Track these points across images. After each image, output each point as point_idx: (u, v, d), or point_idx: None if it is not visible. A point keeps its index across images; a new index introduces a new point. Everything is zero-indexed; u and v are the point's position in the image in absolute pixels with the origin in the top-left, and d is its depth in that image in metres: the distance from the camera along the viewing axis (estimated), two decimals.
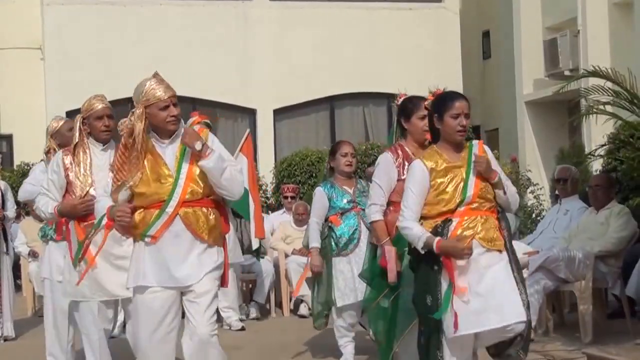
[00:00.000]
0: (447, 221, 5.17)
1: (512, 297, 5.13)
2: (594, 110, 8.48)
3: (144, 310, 5.43)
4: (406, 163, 5.89)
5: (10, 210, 10.24)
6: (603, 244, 8.49)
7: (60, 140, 7.27)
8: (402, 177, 5.79)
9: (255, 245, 10.86)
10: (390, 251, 5.85)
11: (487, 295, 5.08)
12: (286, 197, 12.52)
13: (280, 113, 18.51)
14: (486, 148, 5.44)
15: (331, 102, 18.77)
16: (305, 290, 11.04)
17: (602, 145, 9.91)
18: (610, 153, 10.10)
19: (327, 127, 18.85)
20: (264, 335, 9.68)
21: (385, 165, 6.02)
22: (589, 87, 8.84)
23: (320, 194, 7.85)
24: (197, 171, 5.37)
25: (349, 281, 7.64)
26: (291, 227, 11.72)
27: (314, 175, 15.63)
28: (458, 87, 17.89)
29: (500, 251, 5.20)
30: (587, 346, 7.88)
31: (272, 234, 11.79)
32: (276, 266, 11.36)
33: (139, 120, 5.36)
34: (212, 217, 5.43)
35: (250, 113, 18.52)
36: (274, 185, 16.72)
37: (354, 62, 18.40)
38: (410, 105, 6.08)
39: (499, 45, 20.92)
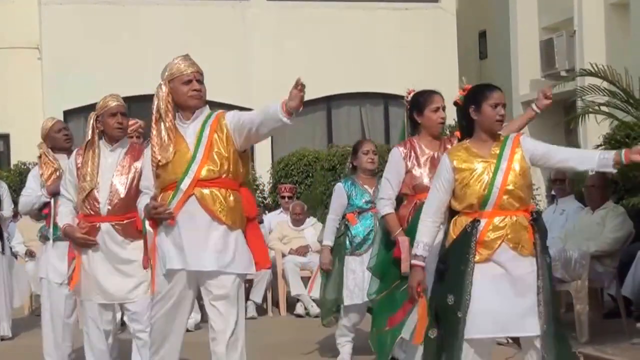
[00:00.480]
0: (476, 221, 5.13)
1: (532, 308, 5.10)
2: (590, 110, 8.50)
3: (164, 294, 5.35)
4: (413, 154, 6.07)
5: (7, 210, 10.24)
6: (599, 244, 8.50)
7: (51, 142, 7.20)
8: (409, 169, 6.02)
9: None
10: (404, 242, 5.93)
11: (510, 303, 5.07)
12: (283, 197, 12.54)
13: None
14: (524, 138, 5.34)
15: (328, 102, 18.79)
16: (301, 290, 11.08)
17: (598, 146, 9.93)
18: None
19: (324, 127, 18.87)
20: (260, 335, 9.68)
21: (394, 160, 6.14)
22: (585, 86, 8.86)
23: (339, 191, 7.81)
24: (215, 149, 5.32)
25: (359, 281, 7.61)
26: (288, 227, 11.74)
27: (310, 175, 15.63)
28: (454, 88, 17.81)
29: (529, 255, 5.13)
30: (583, 346, 7.87)
31: (269, 234, 11.81)
32: (273, 266, 11.37)
33: (165, 95, 5.38)
34: (231, 198, 5.30)
35: None
36: (271, 185, 16.72)
37: (351, 62, 18.41)
38: (421, 99, 6.20)
39: (495, 46, 20.96)
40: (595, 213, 8.85)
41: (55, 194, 6.77)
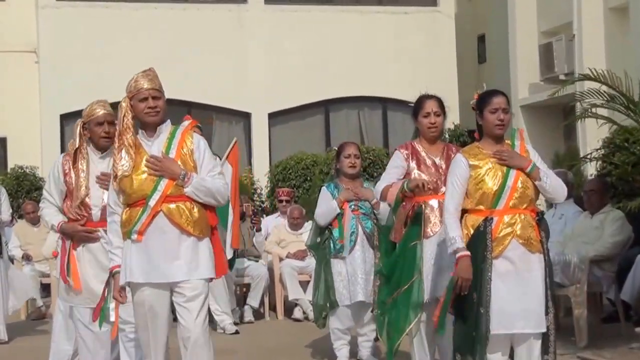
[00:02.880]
0: (489, 219, 5.39)
1: (540, 306, 5.41)
2: (589, 114, 8.47)
3: (135, 307, 5.56)
4: (415, 157, 6.36)
5: (5, 214, 10.20)
6: (598, 249, 8.48)
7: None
8: (410, 171, 6.30)
9: (229, 255, 10.66)
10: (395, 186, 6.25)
11: (522, 300, 5.35)
12: (281, 201, 12.49)
13: (275, 117, 18.50)
14: (530, 145, 5.67)
15: (326, 106, 18.77)
16: (299, 294, 11.04)
17: (597, 150, 9.91)
18: (605, 157, 10.08)
19: (322, 130, 18.85)
20: (258, 339, 9.64)
21: (397, 160, 6.43)
22: (585, 90, 8.83)
23: (324, 194, 7.85)
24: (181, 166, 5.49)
25: (344, 283, 7.67)
26: (286, 231, 11.69)
27: (308, 178, 15.60)
28: (453, 91, 17.91)
29: (537, 252, 5.42)
30: (582, 350, 7.88)
31: (266, 238, 11.76)
32: (270, 270, 11.33)
33: (124, 112, 5.51)
34: (195, 210, 5.49)
35: (245, 117, 18.51)
36: (268, 188, 16.69)
37: (349, 66, 18.40)
38: (416, 105, 6.49)
39: (494, 49, 20.95)
40: (594, 217, 8.82)
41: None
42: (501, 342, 5.42)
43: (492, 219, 5.39)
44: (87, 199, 6.20)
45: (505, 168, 5.41)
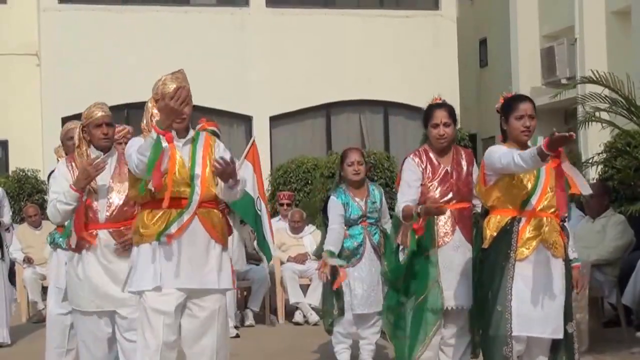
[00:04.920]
0: (517, 219, 5.40)
1: (559, 312, 5.40)
2: (592, 118, 8.46)
3: (153, 314, 5.30)
4: (430, 167, 6.14)
5: (7, 217, 10.19)
6: (599, 253, 8.48)
7: (66, 150, 7.11)
8: (424, 183, 6.11)
9: (274, 253, 10.56)
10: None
11: (542, 304, 5.35)
12: (282, 205, 12.49)
13: (276, 120, 18.49)
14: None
15: (327, 110, 18.76)
16: (300, 298, 11.03)
17: (599, 154, 9.90)
18: (607, 161, 10.08)
19: (323, 134, 18.83)
20: (258, 343, 9.64)
21: (411, 169, 6.16)
22: (586, 94, 8.83)
23: (334, 203, 7.69)
24: (208, 170, 5.37)
25: (348, 293, 7.62)
26: (287, 235, 11.68)
27: (309, 182, 15.58)
28: (454, 95, 17.90)
29: (560, 258, 5.43)
30: (583, 355, 7.82)
31: None
32: (271, 273, 11.32)
33: (151, 113, 5.45)
34: (220, 217, 5.45)
35: (247, 120, 18.50)
36: (269, 192, 16.67)
37: (351, 70, 18.39)
38: (425, 114, 6.30)
39: (495, 53, 20.94)
40: (596, 221, 8.81)
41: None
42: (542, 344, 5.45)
43: (520, 219, 5.40)
44: (93, 201, 6.17)
45: (537, 170, 5.37)
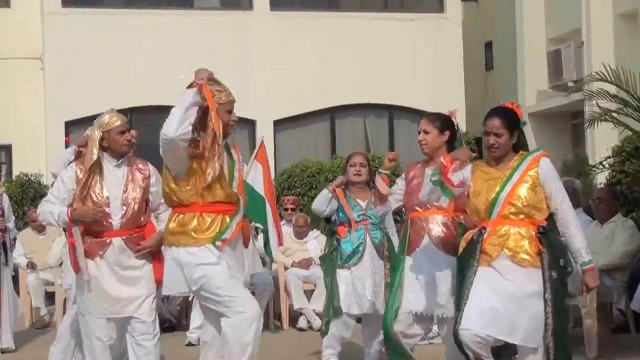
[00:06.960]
0: (483, 230, 5.44)
1: (530, 320, 5.35)
2: (602, 117, 8.39)
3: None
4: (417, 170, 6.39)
5: (11, 222, 10.15)
6: (608, 258, 8.42)
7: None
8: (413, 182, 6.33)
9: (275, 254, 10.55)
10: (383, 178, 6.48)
11: (505, 307, 5.30)
12: (286, 209, 12.42)
13: (280, 124, 18.42)
14: (544, 160, 5.50)
15: (332, 114, 18.69)
16: (304, 303, 10.97)
17: (607, 158, 9.84)
18: (615, 166, 10.02)
19: (327, 138, 18.76)
20: (262, 348, 9.50)
21: (401, 177, 6.58)
22: (593, 91, 8.77)
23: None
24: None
25: (348, 294, 7.64)
26: (291, 240, 11.61)
27: (314, 186, 15.52)
28: (460, 99, 17.82)
29: (530, 267, 5.36)
30: None
31: None
32: (275, 279, 11.25)
33: (215, 120, 5.69)
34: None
35: (250, 124, 18.43)
36: None
37: (355, 73, 18.31)
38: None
39: (501, 56, 20.87)
40: (604, 226, 8.75)
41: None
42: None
43: (485, 229, 5.41)
44: (106, 209, 6.19)
45: (503, 179, 5.37)
